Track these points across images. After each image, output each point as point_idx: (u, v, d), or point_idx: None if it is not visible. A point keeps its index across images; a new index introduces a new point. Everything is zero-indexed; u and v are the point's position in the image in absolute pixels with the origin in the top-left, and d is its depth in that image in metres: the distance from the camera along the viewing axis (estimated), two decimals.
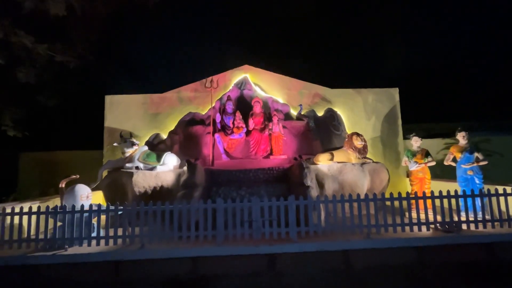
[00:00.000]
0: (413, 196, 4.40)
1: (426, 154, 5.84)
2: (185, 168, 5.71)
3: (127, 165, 5.95)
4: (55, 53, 8.68)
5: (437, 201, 4.46)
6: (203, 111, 8.05)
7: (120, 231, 4.14)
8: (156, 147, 7.38)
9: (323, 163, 6.36)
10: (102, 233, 4.21)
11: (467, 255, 4.11)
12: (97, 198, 6.36)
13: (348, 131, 7.90)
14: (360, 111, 8.53)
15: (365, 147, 6.56)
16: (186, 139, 7.52)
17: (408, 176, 5.99)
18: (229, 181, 5.96)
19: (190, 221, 4.13)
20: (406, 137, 8.76)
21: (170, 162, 6.11)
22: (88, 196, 4.65)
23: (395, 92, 8.68)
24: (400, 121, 8.54)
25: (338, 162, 6.31)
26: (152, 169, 5.88)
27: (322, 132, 7.66)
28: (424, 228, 4.34)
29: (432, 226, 4.34)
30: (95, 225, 4.34)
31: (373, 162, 6.49)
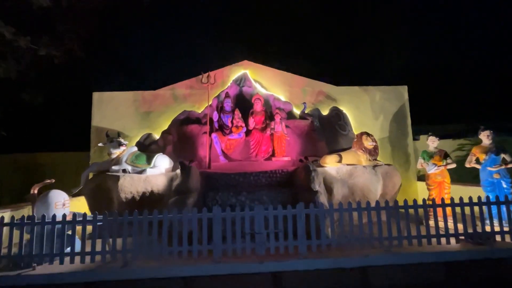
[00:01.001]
0: (440, 203, 3.84)
1: (445, 155, 5.31)
2: (178, 171, 5.11)
3: (113, 167, 5.32)
4: (38, 47, 8.03)
5: (458, 209, 3.87)
6: (199, 110, 7.46)
7: (99, 246, 3.51)
8: (148, 148, 6.76)
9: (331, 165, 5.79)
10: (78, 247, 3.57)
11: (503, 271, 3.56)
12: (80, 205, 5.71)
13: (355, 131, 7.36)
14: (367, 110, 8.00)
15: (376, 148, 6.02)
16: (180, 139, 6.91)
17: (425, 179, 5.44)
18: (228, 186, 5.36)
19: (182, 233, 3.53)
20: (415, 138, 8.30)
21: (162, 164, 5.50)
22: (64, 204, 4.02)
23: (403, 90, 8.17)
24: (409, 121, 8.02)
25: (348, 164, 5.75)
26: (141, 172, 5.26)
27: (328, 132, 7.12)
28: (452, 240, 3.77)
29: (462, 237, 3.77)
30: (75, 238, 3.70)
31: (385, 164, 5.94)
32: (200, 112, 7.34)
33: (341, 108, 7.67)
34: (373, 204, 3.86)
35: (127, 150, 5.58)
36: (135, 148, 5.75)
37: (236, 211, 3.60)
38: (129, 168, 5.34)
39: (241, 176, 5.46)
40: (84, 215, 3.55)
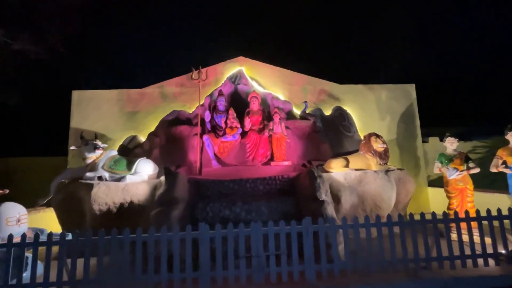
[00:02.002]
0: (474, 216, 3.19)
1: (466, 158, 4.70)
2: (162, 178, 4.41)
3: (88, 174, 4.60)
4: (15, 41, 7.33)
5: (495, 222, 3.24)
6: (190, 109, 6.79)
7: (53, 274, 2.78)
8: (132, 151, 6.06)
9: (337, 170, 5.14)
10: (27, 276, 2.83)
11: None
12: (48, 218, 4.97)
13: (360, 132, 6.77)
14: (372, 110, 7.41)
15: (386, 151, 5.38)
16: (168, 142, 6.22)
17: (444, 186, 4.81)
18: (220, 195, 4.68)
19: (161, 257, 2.82)
20: (423, 140, 7.72)
21: (144, 170, 4.80)
22: (19, 220, 3.30)
23: (411, 89, 7.62)
24: (418, 122, 7.45)
25: (356, 169, 5.11)
26: (120, 179, 4.55)
27: (331, 134, 6.49)
28: (491, 261, 3.12)
29: (502, 258, 3.13)
30: (25, 265, 2.97)
31: (397, 169, 5.31)
32: (191, 112, 6.68)
33: (344, 107, 7.09)
34: (394, 218, 3.20)
35: (105, 154, 4.87)
36: (115, 152, 5.04)
37: (228, 228, 2.91)
38: (106, 174, 4.62)
39: (236, 184, 4.78)
40: (37, 234, 2.83)
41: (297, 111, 6.98)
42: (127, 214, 4.27)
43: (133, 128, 6.73)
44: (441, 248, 3.05)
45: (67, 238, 2.81)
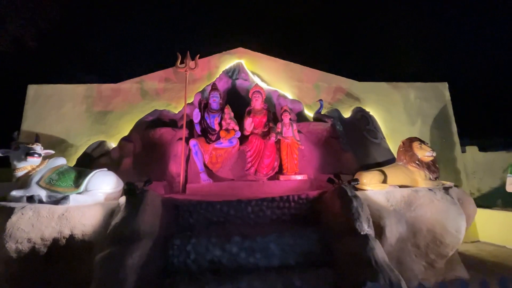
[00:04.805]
0: None
1: None
2: (122, 199, 2.96)
3: (14, 193, 3.12)
4: None
5: None
6: (176, 109, 5.46)
7: None
8: (96, 161, 4.61)
9: (373, 187, 3.72)
10: None
11: None
12: None
13: (387, 139, 5.44)
14: (399, 113, 6.12)
15: (435, 162, 4.01)
16: (145, 149, 4.80)
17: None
18: (209, 224, 3.20)
19: None
20: (463, 150, 6.39)
21: (100, 186, 3.32)
22: None
23: (444, 88, 6.37)
24: (455, 127, 6.14)
25: (400, 187, 3.70)
26: (60, 201, 3.07)
27: (353, 140, 5.14)
28: None
29: None
30: None
31: (454, 186, 3.91)
32: (177, 112, 5.33)
33: (366, 109, 5.76)
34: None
35: (46, 163, 3.41)
36: (62, 161, 3.58)
37: None
38: (42, 193, 3.15)
39: (232, 207, 3.32)
40: None
41: (309, 113, 5.66)
42: (64, 256, 2.77)
43: (103, 132, 5.33)
44: None
45: None
